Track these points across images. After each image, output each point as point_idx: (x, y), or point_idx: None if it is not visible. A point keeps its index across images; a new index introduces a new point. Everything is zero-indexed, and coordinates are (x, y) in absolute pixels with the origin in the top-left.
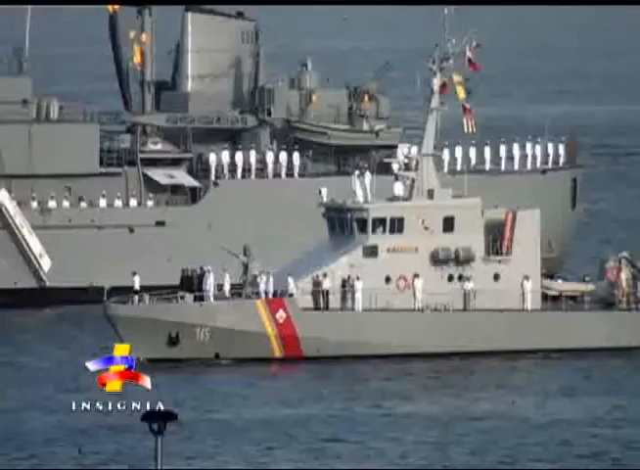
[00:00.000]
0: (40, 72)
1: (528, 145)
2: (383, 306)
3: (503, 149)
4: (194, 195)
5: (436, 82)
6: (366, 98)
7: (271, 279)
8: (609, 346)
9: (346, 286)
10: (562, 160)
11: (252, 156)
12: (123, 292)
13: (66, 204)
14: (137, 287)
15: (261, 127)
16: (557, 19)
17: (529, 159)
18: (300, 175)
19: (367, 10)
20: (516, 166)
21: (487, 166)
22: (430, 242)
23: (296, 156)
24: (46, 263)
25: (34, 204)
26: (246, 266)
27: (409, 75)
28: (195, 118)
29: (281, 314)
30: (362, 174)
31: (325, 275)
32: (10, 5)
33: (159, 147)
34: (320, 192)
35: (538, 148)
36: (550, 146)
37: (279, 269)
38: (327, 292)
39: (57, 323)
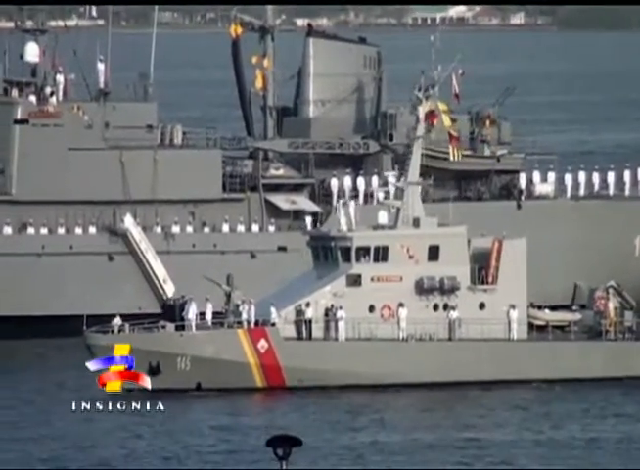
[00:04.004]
0: (164, 98)
1: None
2: (366, 336)
3: (628, 174)
4: (315, 220)
5: (422, 110)
6: (488, 123)
7: (253, 308)
8: (595, 376)
9: (329, 315)
10: None
11: (374, 181)
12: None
13: (189, 229)
14: (117, 321)
15: (383, 152)
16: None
17: None
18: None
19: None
20: None
21: (611, 192)
22: (414, 271)
23: None
24: (170, 288)
25: (158, 229)
26: (228, 295)
27: (531, 100)
28: (317, 144)
29: (263, 344)
30: (346, 203)
31: (308, 304)
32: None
33: (280, 172)
34: (305, 220)
35: None
36: None
37: (261, 298)
38: (310, 321)
39: None
